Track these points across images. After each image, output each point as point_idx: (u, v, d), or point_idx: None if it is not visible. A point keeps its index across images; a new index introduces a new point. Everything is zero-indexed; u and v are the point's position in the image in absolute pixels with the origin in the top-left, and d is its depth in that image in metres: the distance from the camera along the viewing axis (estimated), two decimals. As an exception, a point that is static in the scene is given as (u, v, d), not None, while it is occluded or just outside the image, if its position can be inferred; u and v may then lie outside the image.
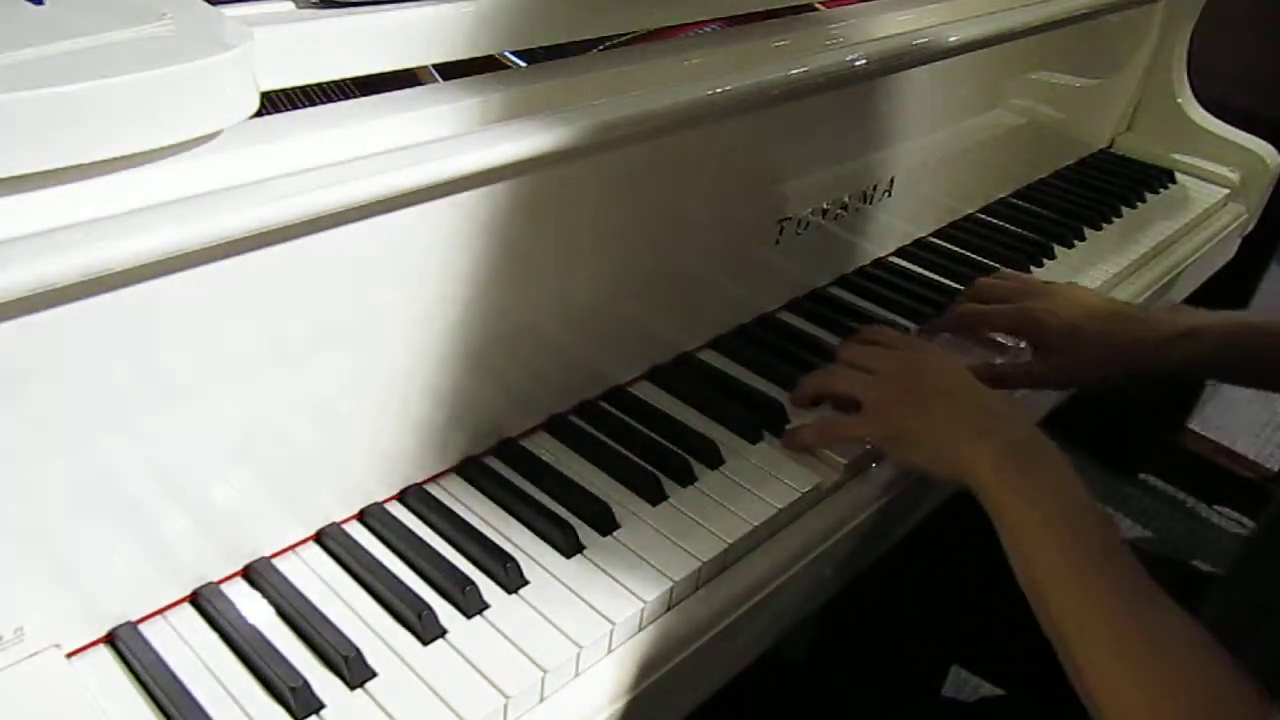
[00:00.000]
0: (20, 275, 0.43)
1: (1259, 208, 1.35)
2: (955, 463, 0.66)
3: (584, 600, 0.61)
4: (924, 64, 0.90)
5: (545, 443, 0.74)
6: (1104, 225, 1.18)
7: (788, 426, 0.77)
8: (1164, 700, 0.53)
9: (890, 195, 0.99)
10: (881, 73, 0.86)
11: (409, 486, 0.68)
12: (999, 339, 0.91)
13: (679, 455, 0.73)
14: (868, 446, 0.74)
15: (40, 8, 0.48)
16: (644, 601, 0.61)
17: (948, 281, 1.02)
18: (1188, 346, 0.82)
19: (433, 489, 0.69)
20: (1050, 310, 0.87)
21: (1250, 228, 1.36)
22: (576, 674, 0.59)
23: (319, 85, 0.61)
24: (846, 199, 0.93)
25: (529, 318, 0.69)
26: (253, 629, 0.57)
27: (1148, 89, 1.38)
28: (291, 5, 0.57)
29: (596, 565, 0.64)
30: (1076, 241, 1.14)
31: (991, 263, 1.06)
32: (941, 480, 0.69)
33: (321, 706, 0.54)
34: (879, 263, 1.04)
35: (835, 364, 0.79)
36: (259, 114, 0.52)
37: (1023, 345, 0.90)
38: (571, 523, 0.66)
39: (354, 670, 0.55)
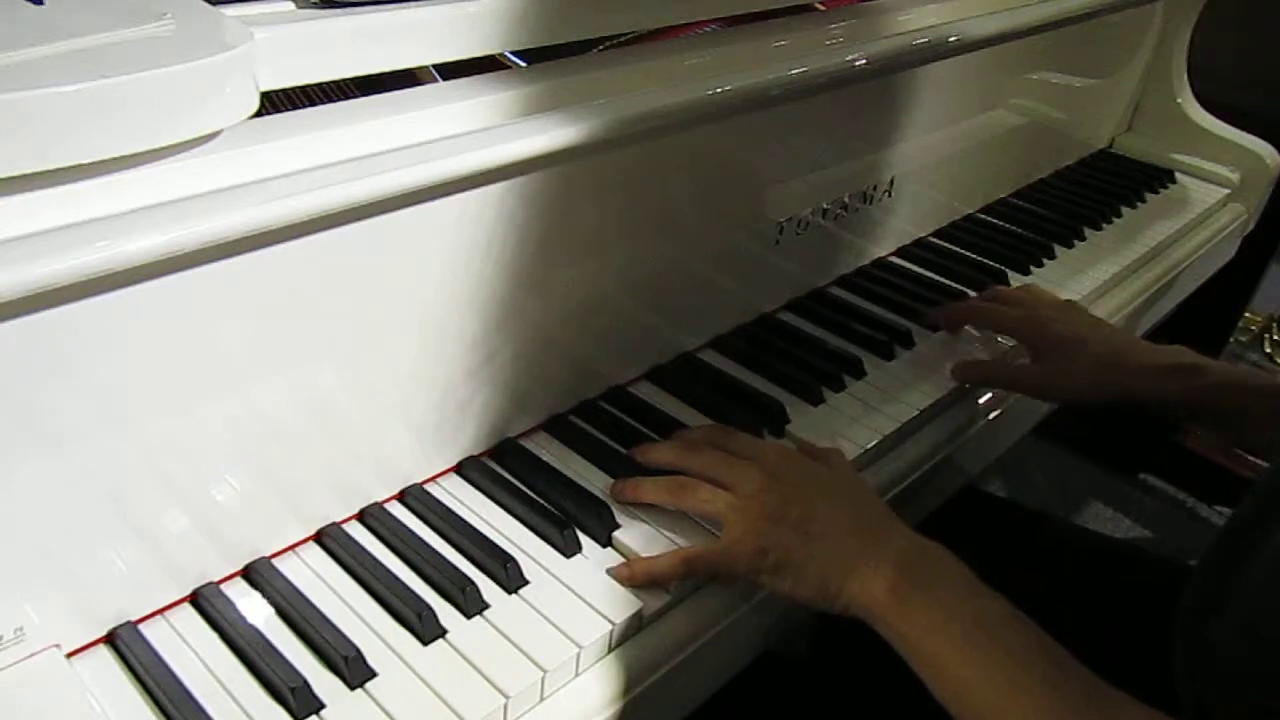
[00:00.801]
0: (20, 275, 0.43)
1: (1259, 208, 1.35)
2: (844, 593, 0.60)
3: (584, 600, 0.61)
4: (924, 64, 0.90)
5: (545, 443, 0.74)
6: (1104, 225, 1.19)
7: (620, 542, 0.65)
8: None
9: (890, 195, 0.99)
10: (881, 73, 0.86)
11: (409, 486, 0.68)
12: (999, 340, 0.91)
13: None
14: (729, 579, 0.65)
15: (40, 8, 0.48)
16: (644, 601, 0.61)
17: (948, 281, 1.02)
18: (1190, 381, 0.79)
19: (433, 489, 0.69)
20: (1056, 319, 0.86)
21: (1250, 228, 1.36)
22: (576, 674, 0.59)
23: (319, 85, 0.61)
24: (846, 199, 0.93)
25: (528, 317, 0.69)
26: (253, 629, 0.57)
27: (1148, 89, 1.38)
28: (291, 5, 0.57)
29: (597, 565, 0.64)
30: (1076, 241, 1.14)
31: (991, 263, 1.06)
32: (827, 611, 0.62)
33: (321, 706, 0.54)
34: (879, 263, 1.04)
35: (678, 467, 0.68)
36: (259, 114, 0.52)
37: (1015, 351, 0.90)
38: (571, 523, 0.66)
39: (354, 670, 0.55)
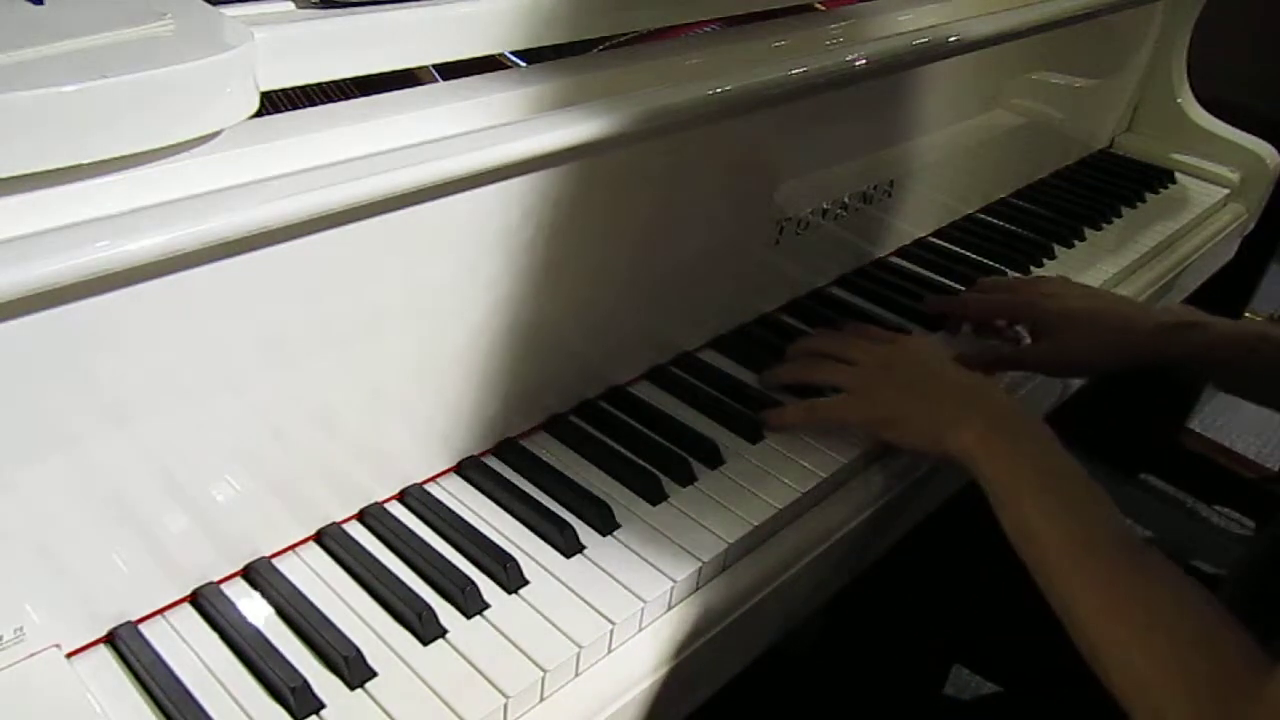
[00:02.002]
0: (20, 275, 0.43)
1: (1259, 208, 1.35)
2: (943, 441, 0.68)
3: (584, 600, 0.61)
4: (924, 64, 0.90)
5: (545, 443, 0.74)
6: (1104, 225, 1.19)
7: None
8: (1171, 665, 0.53)
9: (890, 195, 0.99)
10: (881, 73, 0.86)
11: (409, 486, 0.68)
12: (999, 329, 0.92)
13: (679, 455, 0.73)
14: (852, 428, 0.76)
15: (40, 8, 0.48)
16: (644, 601, 0.61)
17: (948, 281, 1.02)
18: (1189, 337, 0.82)
19: (433, 489, 0.69)
20: (1050, 294, 0.87)
21: (1250, 228, 1.36)
22: (576, 674, 0.59)
23: (319, 85, 0.61)
24: (846, 199, 0.93)
25: (528, 318, 0.69)
26: (253, 629, 0.57)
27: (1148, 89, 1.38)
28: (291, 5, 0.57)
29: (596, 565, 0.64)
30: (1076, 241, 1.14)
31: (991, 263, 1.06)
32: (931, 459, 0.72)
33: (321, 706, 0.54)
34: (879, 263, 1.04)
35: (807, 354, 0.80)
36: (259, 114, 0.52)
37: (1022, 333, 0.91)
38: (571, 523, 0.66)
39: (354, 670, 0.55)
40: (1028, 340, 0.89)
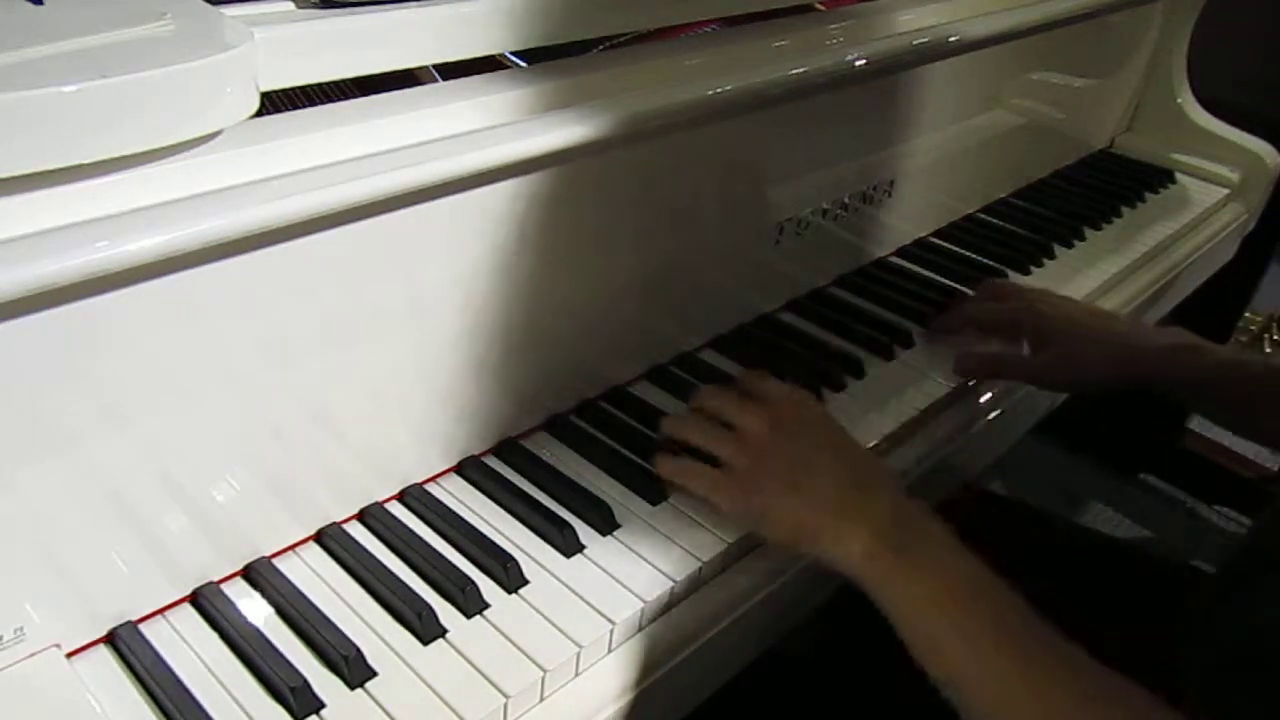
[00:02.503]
0: (20, 275, 0.43)
1: (1259, 208, 1.35)
2: (821, 549, 0.62)
3: (584, 600, 0.61)
4: (924, 64, 0.90)
5: (545, 443, 0.74)
6: (1104, 225, 1.18)
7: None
8: None
9: (890, 195, 0.99)
10: (881, 73, 0.86)
11: (409, 486, 0.68)
12: (999, 339, 0.90)
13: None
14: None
15: (40, 7, 0.48)
16: (644, 601, 0.61)
17: (948, 281, 1.02)
18: (1191, 361, 0.80)
19: (433, 489, 0.69)
20: (1053, 305, 0.86)
21: (1250, 228, 1.36)
22: (576, 674, 0.59)
23: (319, 85, 0.61)
24: (846, 199, 0.93)
25: (528, 318, 0.69)
26: (253, 629, 0.57)
27: (1148, 89, 1.38)
28: (291, 5, 0.57)
29: (596, 565, 0.64)
30: (1076, 241, 1.14)
31: (991, 263, 1.06)
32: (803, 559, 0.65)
33: (321, 706, 0.54)
34: (879, 263, 1.04)
35: (698, 410, 0.72)
36: (259, 114, 0.52)
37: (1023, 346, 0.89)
38: (571, 523, 0.66)
39: (354, 670, 0.55)
40: (1026, 352, 0.88)
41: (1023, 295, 0.90)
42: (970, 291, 1.00)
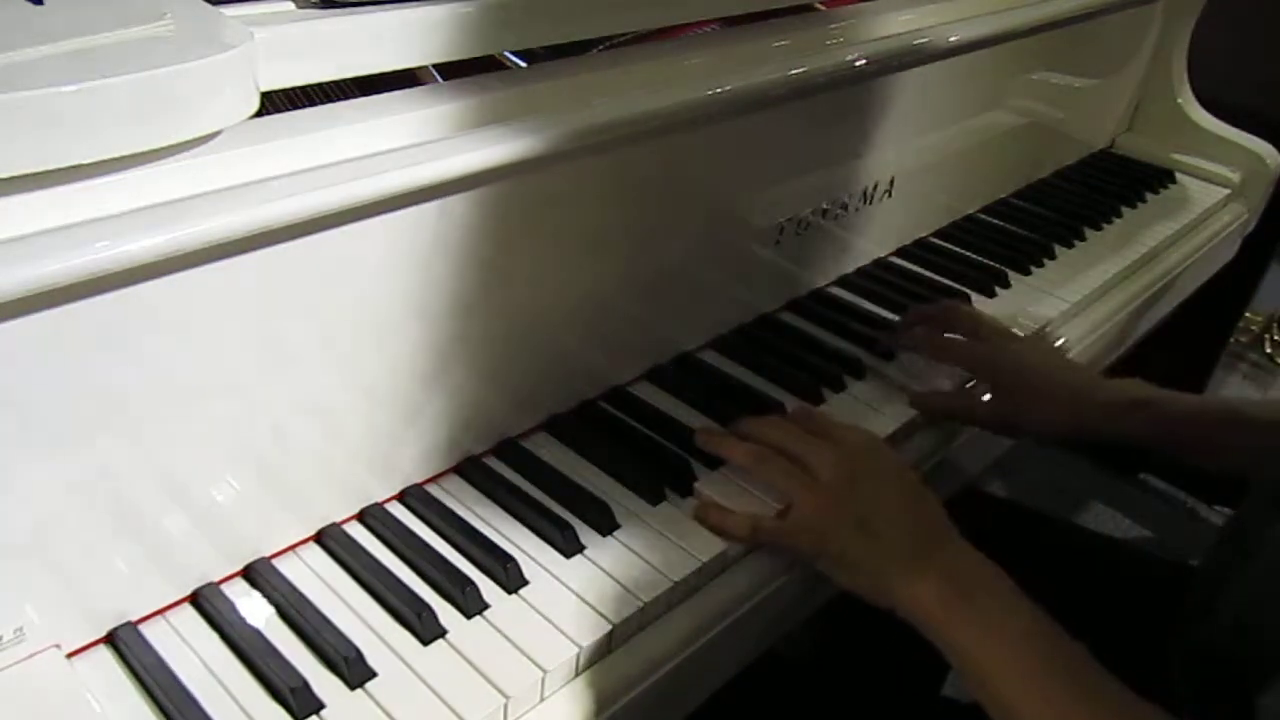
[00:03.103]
0: (20, 275, 0.43)
1: (1259, 208, 1.35)
2: (891, 595, 0.62)
3: (584, 600, 0.61)
4: (924, 64, 0.90)
5: (545, 443, 0.74)
6: (1104, 225, 1.19)
7: (700, 487, 0.70)
8: None
9: (890, 195, 0.99)
10: (881, 73, 0.86)
11: (409, 486, 0.68)
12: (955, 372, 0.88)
13: (679, 455, 0.73)
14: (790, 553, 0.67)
15: (40, 8, 0.48)
16: (643, 601, 0.61)
17: (948, 281, 1.02)
18: (1138, 419, 0.80)
19: (433, 489, 0.69)
20: (1016, 353, 0.84)
21: (1250, 228, 1.36)
22: (576, 674, 0.59)
23: (319, 85, 0.61)
24: (846, 199, 0.93)
25: (529, 317, 0.69)
26: (253, 629, 0.57)
27: (1148, 89, 1.38)
28: (291, 5, 0.57)
29: (596, 565, 0.64)
30: (1076, 241, 1.14)
31: (991, 263, 1.06)
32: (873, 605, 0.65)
33: (321, 706, 0.54)
34: (879, 263, 1.04)
35: (760, 441, 0.71)
36: (259, 114, 0.52)
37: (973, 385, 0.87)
38: (571, 523, 0.66)
39: (354, 670, 0.55)
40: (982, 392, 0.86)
41: (978, 332, 0.87)
42: (971, 292, 1.01)
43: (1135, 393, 0.81)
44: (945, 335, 0.88)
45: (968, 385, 0.87)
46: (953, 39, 0.89)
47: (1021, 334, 0.93)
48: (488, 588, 0.62)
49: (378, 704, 0.54)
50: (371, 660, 0.56)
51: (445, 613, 0.60)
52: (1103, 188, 1.27)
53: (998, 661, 0.58)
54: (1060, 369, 0.86)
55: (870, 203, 0.96)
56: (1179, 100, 1.37)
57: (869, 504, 0.64)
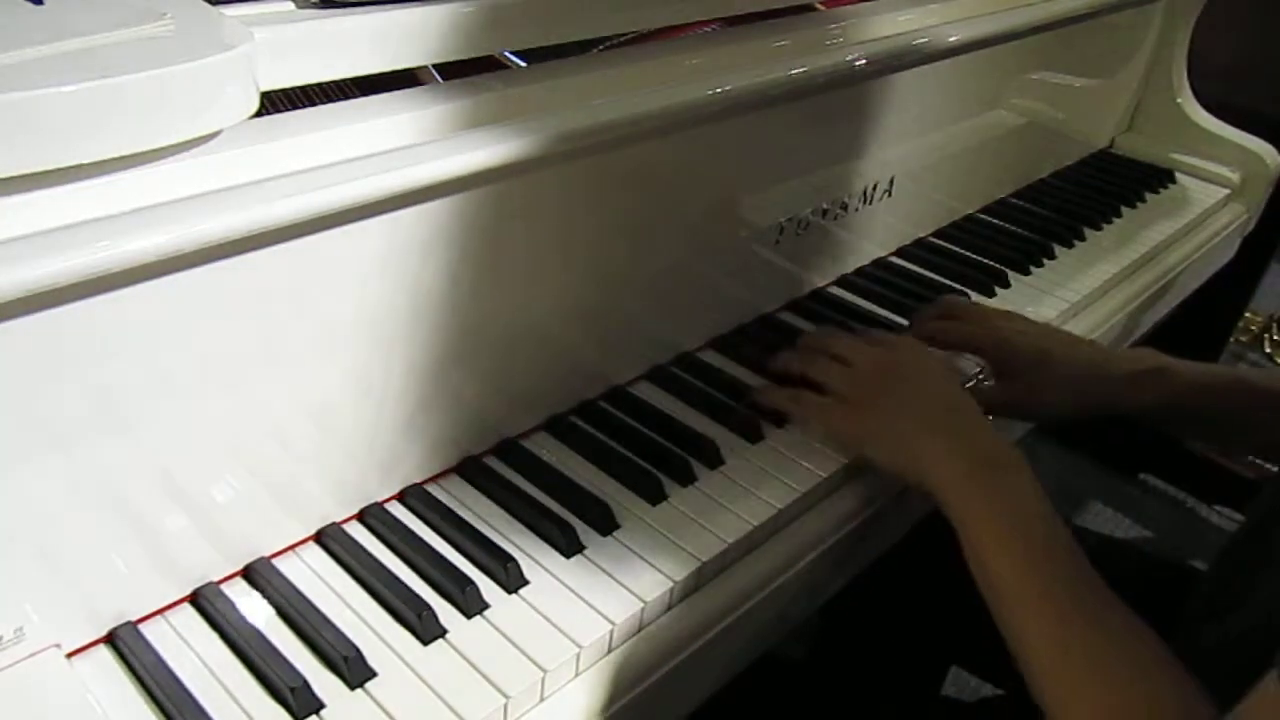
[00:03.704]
0: (20, 275, 0.43)
1: (1259, 208, 1.35)
2: (921, 469, 0.66)
3: (584, 600, 0.61)
4: (924, 64, 0.90)
5: (545, 443, 0.74)
6: (1104, 225, 1.18)
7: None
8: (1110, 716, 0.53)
9: (890, 195, 0.99)
10: (881, 73, 0.86)
11: (409, 486, 0.68)
12: (966, 359, 0.87)
13: (679, 455, 0.73)
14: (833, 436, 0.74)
15: (40, 8, 0.48)
16: (644, 601, 0.61)
17: (948, 281, 1.02)
18: (1159, 384, 0.80)
19: (433, 489, 0.69)
20: (1021, 332, 0.84)
21: (1250, 228, 1.36)
22: (576, 674, 0.59)
23: (319, 85, 0.61)
24: (846, 199, 0.93)
25: (529, 317, 0.69)
26: (253, 629, 0.58)
27: (1148, 89, 1.38)
28: (291, 5, 0.57)
29: (596, 565, 0.64)
30: (1076, 241, 1.14)
31: (991, 263, 1.06)
32: (903, 483, 0.70)
33: (321, 706, 0.54)
34: (879, 263, 1.04)
35: (810, 347, 0.78)
36: (259, 114, 0.52)
37: (982, 374, 0.87)
38: (571, 523, 0.66)
39: (354, 670, 0.55)
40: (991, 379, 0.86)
41: (984, 318, 0.88)
42: (970, 292, 1.01)
43: (1148, 361, 0.81)
44: (951, 323, 0.88)
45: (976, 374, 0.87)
46: (953, 39, 0.89)
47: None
48: (488, 588, 0.62)
49: (378, 704, 0.54)
50: (371, 660, 0.56)
51: (445, 613, 0.60)
52: (1103, 188, 1.27)
53: (997, 546, 0.61)
54: (1071, 344, 0.86)
55: (870, 203, 0.96)
56: (1179, 100, 1.37)
57: (904, 386, 0.71)
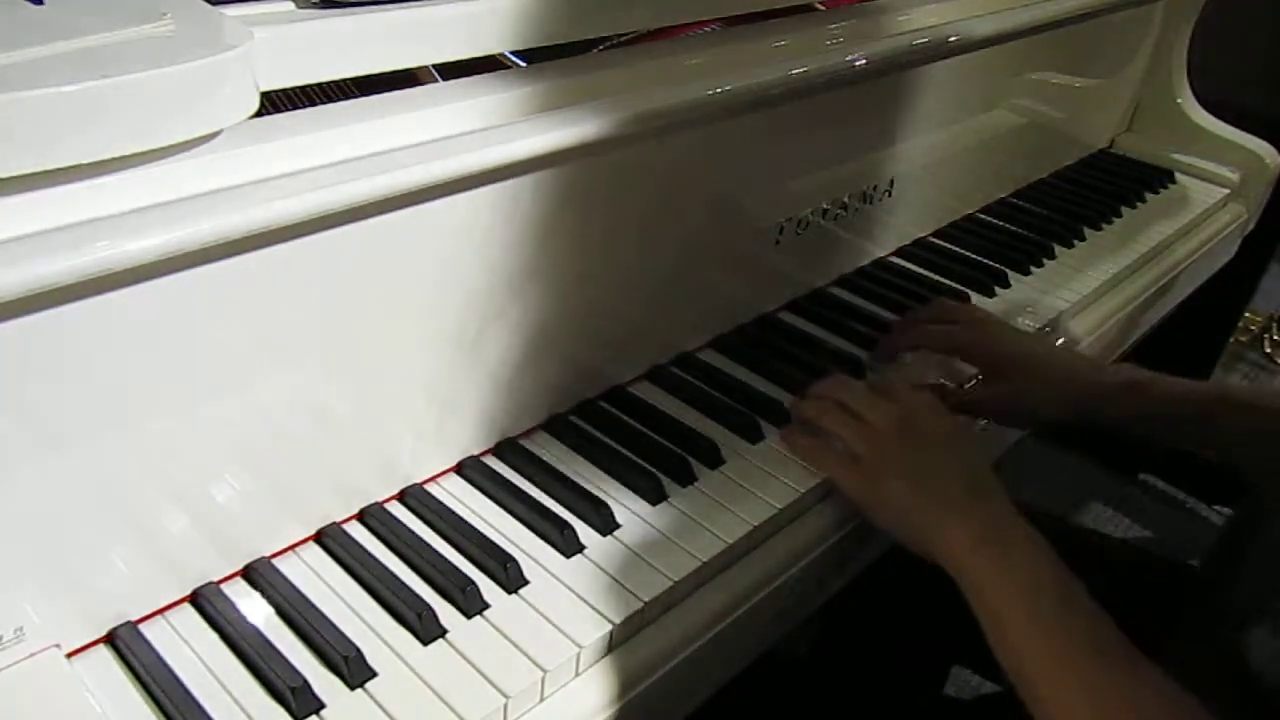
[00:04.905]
0: (20, 275, 0.43)
1: (1259, 208, 1.35)
2: (931, 542, 0.65)
3: (584, 600, 0.61)
4: (924, 64, 0.90)
5: (545, 443, 0.74)
6: (1104, 225, 1.19)
7: (790, 426, 0.76)
8: None
9: (890, 195, 0.99)
10: (881, 73, 0.86)
11: (409, 486, 0.68)
12: (952, 364, 0.88)
13: (679, 455, 0.73)
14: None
15: (40, 8, 0.48)
16: (644, 601, 0.61)
17: (948, 281, 1.02)
18: (1133, 401, 0.80)
19: (433, 489, 0.69)
20: (1007, 337, 0.85)
21: (1250, 228, 1.36)
22: (576, 674, 0.59)
23: (319, 85, 0.61)
24: (846, 199, 0.93)
25: (528, 318, 0.69)
26: (253, 629, 0.57)
27: (1148, 89, 1.38)
28: (291, 5, 0.57)
29: (596, 565, 0.64)
30: (1076, 241, 1.14)
31: (991, 263, 1.06)
32: (911, 551, 0.68)
33: (321, 706, 0.54)
34: (879, 263, 1.04)
35: (825, 396, 0.75)
36: (259, 114, 0.52)
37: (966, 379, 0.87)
38: (571, 523, 0.66)
39: (354, 670, 0.55)
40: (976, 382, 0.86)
41: (972, 322, 0.88)
42: (971, 292, 1.01)
43: (1129, 375, 0.82)
44: (938, 326, 0.88)
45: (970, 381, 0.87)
46: (953, 39, 0.89)
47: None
48: (488, 588, 0.62)
49: (378, 704, 0.54)
50: (371, 660, 0.56)
51: (445, 613, 0.60)
52: (1102, 188, 1.27)
53: (1018, 618, 0.60)
54: (1053, 351, 0.87)
55: (870, 203, 0.96)
56: (1179, 100, 1.37)
57: (919, 455, 0.69)
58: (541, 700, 0.57)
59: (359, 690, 0.55)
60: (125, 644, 0.56)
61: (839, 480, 0.72)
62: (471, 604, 0.60)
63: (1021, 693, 0.59)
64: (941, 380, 0.86)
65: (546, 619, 0.60)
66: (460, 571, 0.62)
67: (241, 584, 0.61)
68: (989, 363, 0.84)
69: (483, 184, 0.60)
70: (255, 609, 0.59)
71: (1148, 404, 0.80)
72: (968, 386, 0.85)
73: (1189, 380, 0.82)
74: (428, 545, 0.64)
